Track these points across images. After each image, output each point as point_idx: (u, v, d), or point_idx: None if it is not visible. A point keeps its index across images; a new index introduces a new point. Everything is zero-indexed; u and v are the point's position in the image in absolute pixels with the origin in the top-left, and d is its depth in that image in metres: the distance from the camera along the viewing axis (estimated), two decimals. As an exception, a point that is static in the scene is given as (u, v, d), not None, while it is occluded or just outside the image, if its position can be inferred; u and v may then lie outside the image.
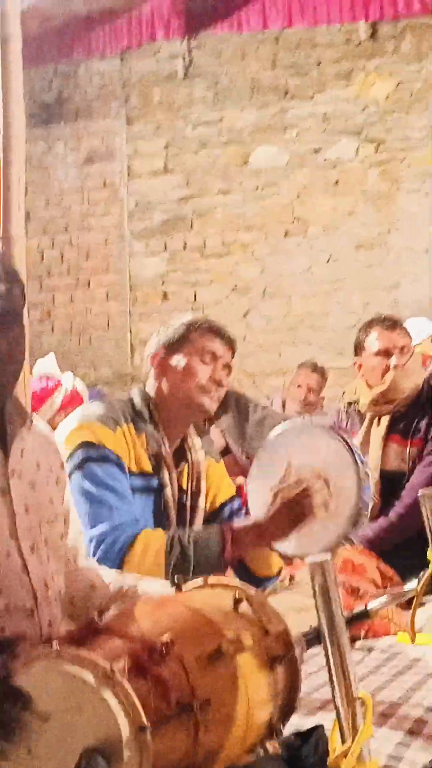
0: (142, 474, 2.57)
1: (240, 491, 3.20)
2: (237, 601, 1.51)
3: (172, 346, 2.65)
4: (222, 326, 2.68)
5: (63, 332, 8.17)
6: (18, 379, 1.79)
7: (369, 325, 3.63)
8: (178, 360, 2.63)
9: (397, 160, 7.22)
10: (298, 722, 1.71)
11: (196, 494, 2.68)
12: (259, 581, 2.63)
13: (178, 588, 1.60)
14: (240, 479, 3.58)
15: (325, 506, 2.41)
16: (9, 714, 1.27)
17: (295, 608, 2.14)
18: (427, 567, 2.05)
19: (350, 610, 1.93)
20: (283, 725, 1.50)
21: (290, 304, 7.49)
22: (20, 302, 1.75)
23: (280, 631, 1.50)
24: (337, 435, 2.56)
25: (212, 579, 1.62)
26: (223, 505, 2.78)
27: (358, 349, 3.64)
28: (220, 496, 2.78)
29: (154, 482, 2.59)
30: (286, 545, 2.50)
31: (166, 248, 7.90)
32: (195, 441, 2.72)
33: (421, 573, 2.07)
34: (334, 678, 1.26)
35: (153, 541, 2.40)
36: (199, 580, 1.63)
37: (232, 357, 2.70)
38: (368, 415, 3.57)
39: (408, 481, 3.44)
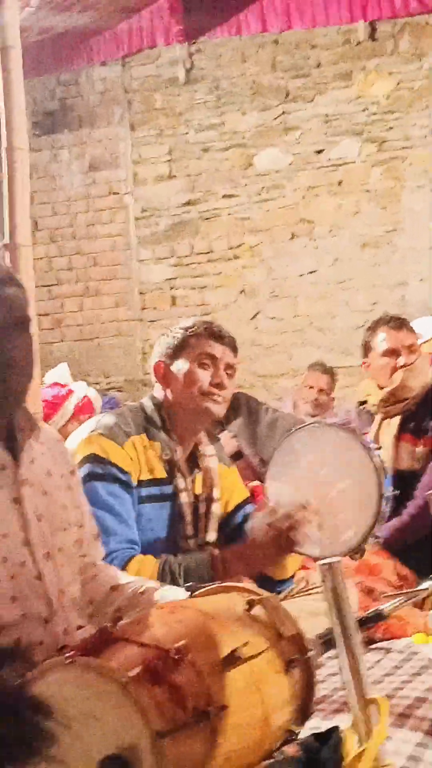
0: (156, 481, 2.57)
1: (253, 494, 3.20)
2: (250, 605, 1.51)
3: (173, 354, 2.65)
4: (220, 327, 2.67)
5: (73, 340, 8.18)
6: (29, 385, 1.79)
7: (376, 325, 3.63)
8: (179, 367, 2.63)
9: (400, 159, 7.21)
10: (317, 725, 1.70)
11: (209, 501, 2.68)
12: (274, 584, 2.63)
13: (192, 593, 1.61)
14: (253, 483, 3.57)
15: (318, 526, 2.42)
16: (31, 729, 1.27)
17: (310, 612, 2.13)
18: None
19: (366, 611, 1.92)
20: (300, 728, 1.50)
21: (298, 305, 7.48)
22: (27, 308, 1.76)
23: (294, 635, 1.50)
24: (350, 434, 2.56)
25: (226, 583, 1.62)
26: (236, 509, 2.78)
27: (366, 349, 3.64)
28: (233, 500, 2.78)
29: (169, 489, 2.59)
30: (313, 548, 2.50)
31: (173, 253, 7.91)
32: (207, 448, 2.72)
33: (435, 572, 2.07)
34: (347, 680, 1.26)
35: (144, 568, 2.41)
36: (214, 585, 1.63)
37: (235, 356, 2.69)
38: (379, 416, 3.57)
39: (420, 481, 3.43)
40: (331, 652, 1.60)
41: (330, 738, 1.60)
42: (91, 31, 7.23)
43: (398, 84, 7.20)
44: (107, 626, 1.37)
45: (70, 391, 4.31)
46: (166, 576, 2.41)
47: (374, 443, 3.31)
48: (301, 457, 2.55)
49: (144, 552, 2.51)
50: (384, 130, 7.23)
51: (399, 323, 3.60)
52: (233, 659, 1.34)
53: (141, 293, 8.01)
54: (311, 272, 7.43)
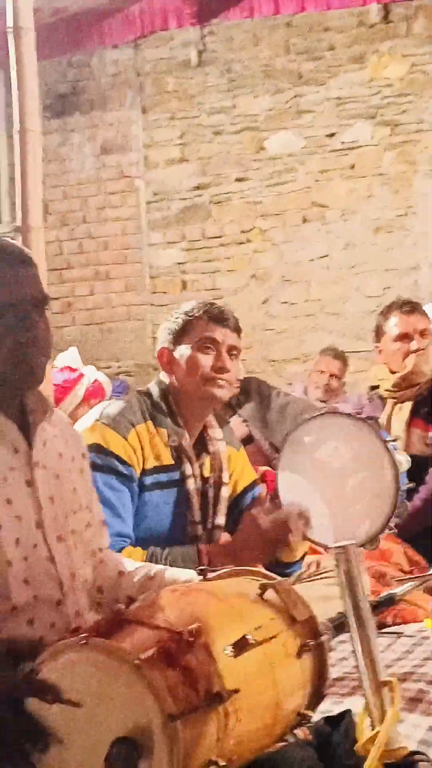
0: (164, 468, 2.57)
1: (264, 479, 3.20)
2: (263, 589, 1.51)
3: (175, 339, 2.63)
4: (220, 309, 2.63)
5: (84, 324, 8.18)
6: (48, 365, 1.79)
7: (388, 309, 3.62)
8: (181, 353, 2.61)
9: (413, 143, 7.16)
10: (328, 708, 1.70)
11: (218, 485, 2.68)
12: (283, 566, 2.63)
13: (204, 576, 1.61)
14: (264, 468, 3.57)
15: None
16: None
17: (321, 597, 2.13)
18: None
19: (377, 596, 1.92)
20: (313, 712, 1.50)
21: (309, 290, 7.46)
22: (43, 288, 1.77)
23: (306, 619, 1.50)
24: (365, 424, 2.54)
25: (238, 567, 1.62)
26: (244, 492, 2.77)
27: (378, 334, 3.63)
28: (242, 482, 2.77)
29: (176, 475, 2.59)
30: (326, 536, 2.48)
31: (184, 237, 7.89)
32: (216, 432, 2.72)
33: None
34: (361, 663, 1.26)
35: (132, 558, 2.40)
36: (225, 569, 1.63)
37: (239, 336, 2.66)
38: (390, 401, 3.56)
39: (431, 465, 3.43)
40: (341, 637, 1.60)
41: (341, 722, 1.60)
42: (103, 12, 7.19)
43: (412, 67, 7.14)
44: (120, 608, 1.37)
45: (81, 375, 4.31)
46: None
47: (388, 433, 3.30)
48: (313, 447, 2.52)
49: (151, 538, 2.51)
50: (397, 114, 7.19)
51: (411, 308, 3.59)
52: (246, 642, 1.34)
53: (152, 277, 7.99)
54: (323, 257, 7.40)
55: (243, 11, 7.19)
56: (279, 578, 1.57)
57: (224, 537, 2.66)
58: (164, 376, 2.67)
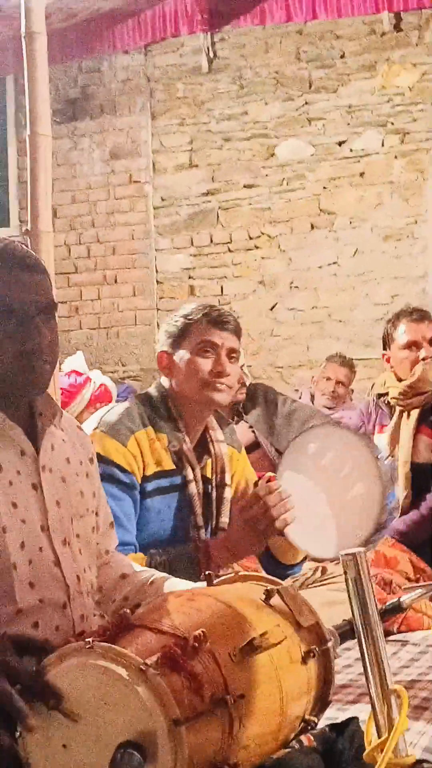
0: (165, 472, 2.56)
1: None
2: (268, 595, 1.50)
3: (174, 343, 2.63)
4: (220, 312, 2.62)
5: (91, 328, 8.18)
6: (54, 373, 1.79)
7: (397, 317, 3.62)
8: (180, 357, 2.60)
9: (423, 151, 7.16)
10: (334, 714, 1.70)
11: (221, 486, 2.67)
12: (284, 568, 2.62)
13: (209, 582, 1.60)
14: (269, 474, 3.56)
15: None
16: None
17: (326, 602, 2.13)
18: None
19: (383, 603, 1.92)
20: (318, 718, 1.49)
21: (317, 297, 7.46)
22: (52, 294, 1.76)
23: (312, 624, 1.49)
24: (361, 438, 2.55)
25: (243, 572, 1.62)
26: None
27: (387, 341, 3.63)
28: (243, 483, 2.77)
29: (178, 480, 2.58)
30: (312, 547, 2.48)
31: (192, 243, 7.89)
32: (217, 433, 2.71)
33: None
34: (369, 671, 1.25)
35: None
36: (230, 574, 1.62)
37: (239, 339, 2.65)
38: (398, 408, 3.55)
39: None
40: (346, 644, 1.59)
41: (345, 728, 1.60)
42: (114, 18, 7.22)
43: (422, 76, 7.15)
44: (126, 613, 1.37)
45: (88, 379, 4.31)
46: None
47: (384, 450, 3.31)
48: (313, 455, 2.52)
49: (155, 543, 2.51)
50: (407, 122, 7.19)
51: (420, 315, 3.59)
52: (251, 648, 1.34)
53: (159, 282, 8.00)
54: (331, 264, 7.40)
55: (254, 18, 7.22)
56: (284, 584, 1.56)
57: None
58: (164, 380, 2.66)
